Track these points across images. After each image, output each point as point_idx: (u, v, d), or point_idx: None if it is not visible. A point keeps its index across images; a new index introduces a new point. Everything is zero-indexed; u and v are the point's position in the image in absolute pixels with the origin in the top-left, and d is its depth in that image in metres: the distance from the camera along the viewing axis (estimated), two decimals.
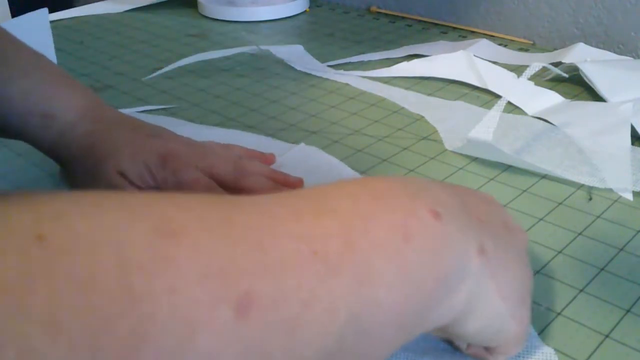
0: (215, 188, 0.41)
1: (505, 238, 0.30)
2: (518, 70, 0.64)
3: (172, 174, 0.41)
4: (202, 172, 0.42)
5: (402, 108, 0.59)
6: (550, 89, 0.59)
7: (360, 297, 0.23)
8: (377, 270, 0.24)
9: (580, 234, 0.41)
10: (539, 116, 0.55)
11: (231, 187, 0.42)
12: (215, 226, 0.21)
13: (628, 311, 0.34)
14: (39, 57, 0.44)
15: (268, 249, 0.22)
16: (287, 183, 0.45)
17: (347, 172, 0.48)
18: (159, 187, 0.42)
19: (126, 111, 0.57)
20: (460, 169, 0.48)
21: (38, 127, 0.42)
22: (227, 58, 0.72)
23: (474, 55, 0.64)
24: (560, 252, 0.39)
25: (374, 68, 0.67)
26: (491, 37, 0.77)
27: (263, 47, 0.71)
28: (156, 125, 0.45)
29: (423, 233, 0.26)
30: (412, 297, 0.25)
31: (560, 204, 0.44)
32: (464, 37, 0.77)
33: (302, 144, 0.51)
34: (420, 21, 0.84)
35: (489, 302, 0.27)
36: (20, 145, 0.52)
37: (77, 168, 0.42)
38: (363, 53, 0.72)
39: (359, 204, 0.26)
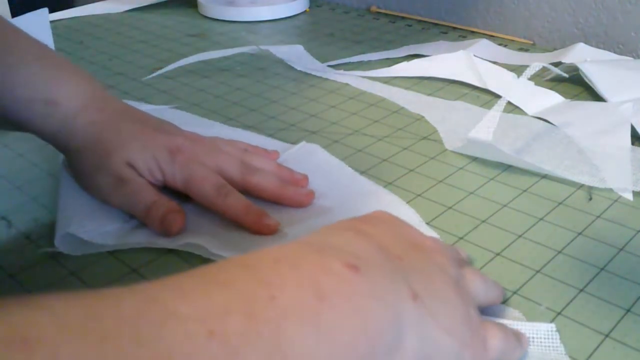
0: (224, 185, 0.41)
1: (426, 265, 0.28)
2: (518, 70, 0.64)
3: (180, 170, 0.41)
4: (209, 168, 0.42)
5: (402, 108, 0.59)
6: (550, 89, 0.59)
7: None
8: (291, 340, 0.20)
9: (580, 234, 0.41)
10: (539, 116, 0.55)
11: (238, 184, 0.42)
12: (78, 326, 0.18)
13: (628, 311, 0.34)
14: (41, 45, 0.43)
15: (149, 339, 0.18)
16: (292, 179, 0.44)
17: (347, 171, 0.48)
18: (167, 182, 0.41)
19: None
20: (460, 169, 0.48)
21: (41, 115, 0.41)
22: (227, 58, 0.72)
23: (474, 55, 0.64)
24: (560, 252, 0.39)
25: (374, 68, 0.67)
26: (491, 37, 0.77)
27: (263, 47, 0.71)
28: (161, 119, 0.44)
29: (340, 289, 0.23)
30: None
31: (560, 204, 0.44)
32: (464, 37, 0.77)
33: (304, 142, 0.51)
34: (420, 21, 0.84)
35: (439, 344, 0.25)
36: (20, 145, 0.52)
37: (82, 159, 0.42)
38: (363, 53, 0.72)
39: (256, 271, 0.22)
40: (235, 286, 0.21)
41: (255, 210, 0.40)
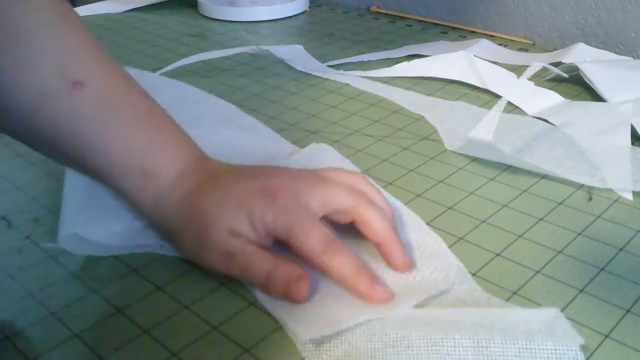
0: (333, 241, 0.35)
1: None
2: (518, 70, 0.64)
3: (282, 216, 0.35)
4: (315, 214, 0.36)
5: (402, 108, 0.59)
6: (550, 89, 0.59)
7: None
8: None
9: (580, 234, 0.41)
10: (539, 116, 0.55)
11: (349, 214, 0.37)
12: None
13: (628, 311, 0.34)
14: (150, 104, 0.39)
15: None
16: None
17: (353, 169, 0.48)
18: (269, 231, 0.36)
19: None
20: (460, 169, 0.48)
21: (136, 187, 0.37)
22: (227, 58, 0.72)
23: (474, 55, 0.64)
24: (560, 252, 0.39)
25: (374, 68, 0.68)
26: (491, 37, 0.77)
27: (263, 47, 0.71)
28: (264, 165, 0.40)
29: None
30: None
31: (560, 204, 0.44)
32: (464, 37, 0.77)
33: (314, 144, 0.51)
34: (420, 21, 0.84)
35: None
36: (20, 145, 0.52)
37: (182, 237, 0.37)
38: (363, 53, 0.72)
39: None
40: None
41: (367, 275, 0.34)
